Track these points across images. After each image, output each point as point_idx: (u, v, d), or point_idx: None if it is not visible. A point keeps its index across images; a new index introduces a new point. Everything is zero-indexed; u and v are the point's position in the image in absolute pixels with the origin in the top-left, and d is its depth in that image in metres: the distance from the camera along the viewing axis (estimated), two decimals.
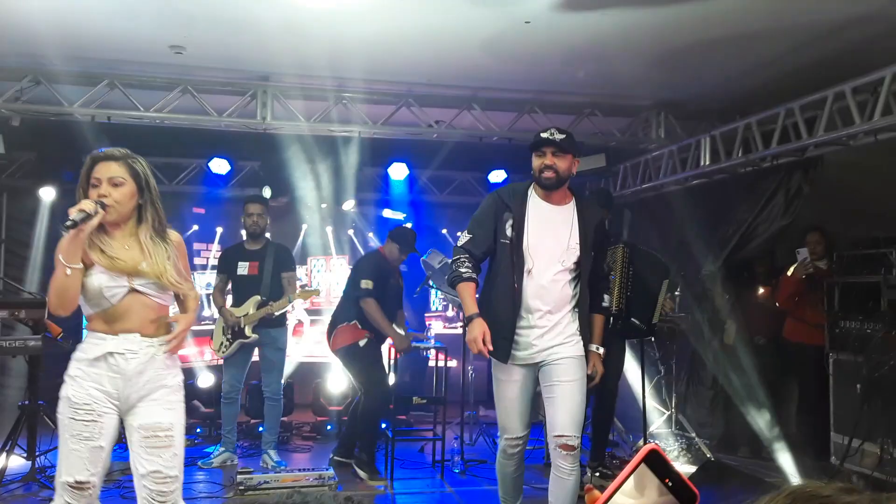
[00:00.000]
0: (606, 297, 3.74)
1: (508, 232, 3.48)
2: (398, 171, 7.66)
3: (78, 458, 2.68)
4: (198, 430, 6.64)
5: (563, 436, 3.39)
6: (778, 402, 5.87)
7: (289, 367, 7.26)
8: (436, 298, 8.75)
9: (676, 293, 6.42)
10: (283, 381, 5.98)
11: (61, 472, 2.70)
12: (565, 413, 3.41)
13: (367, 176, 8.07)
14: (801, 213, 5.67)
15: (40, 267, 7.05)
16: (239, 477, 4.90)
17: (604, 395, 5.28)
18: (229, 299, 5.84)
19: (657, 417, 6.56)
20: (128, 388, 2.77)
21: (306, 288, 7.01)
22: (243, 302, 5.72)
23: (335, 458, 5.56)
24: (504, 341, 3.46)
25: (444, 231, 8.60)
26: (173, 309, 2.97)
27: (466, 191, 8.38)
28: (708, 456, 5.79)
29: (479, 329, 3.41)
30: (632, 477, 0.88)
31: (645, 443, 5.71)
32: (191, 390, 6.81)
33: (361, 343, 5.37)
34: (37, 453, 5.08)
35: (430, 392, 6.66)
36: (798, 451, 5.44)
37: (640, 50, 5.10)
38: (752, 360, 5.96)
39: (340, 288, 8.68)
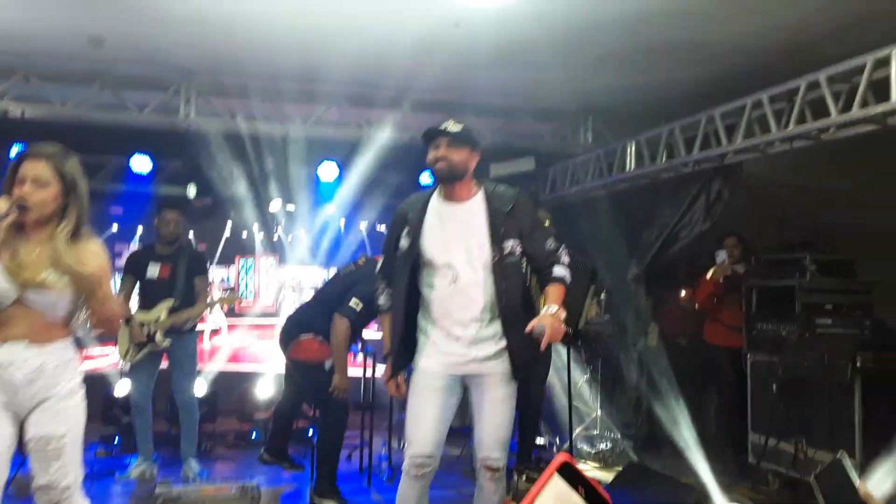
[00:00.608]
0: (558, 268, 3.21)
1: (403, 242, 3.22)
2: (328, 172, 7.55)
3: None
4: (116, 439, 6.38)
5: (488, 457, 3.19)
6: (698, 402, 6.03)
7: (209, 375, 7.07)
8: None
9: (602, 296, 6.52)
10: (204, 390, 5.77)
11: None
12: (491, 432, 3.18)
13: (295, 175, 7.93)
14: (721, 218, 5.84)
15: None
16: (157, 489, 4.71)
17: (531, 397, 5.30)
18: (133, 302, 5.57)
19: (584, 419, 6.65)
20: (18, 398, 2.66)
21: (229, 293, 6.82)
22: (152, 306, 5.44)
23: (265, 455, 5.33)
24: (407, 352, 3.25)
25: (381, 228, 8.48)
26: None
27: (400, 193, 8.30)
28: (632, 456, 5.90)
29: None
30: (546, 488, 0.87)
31: (571, 444, 5.79)
32: (108, 399, 6.59)
33: (327, 365, 4.89)
34: None
35: (357, 397, 6.58)
36: (717, 450, 5.59)
37: (568, 54, 5.17)
38: (673, 362, 6.11)
39: (269, 290, 8.65)
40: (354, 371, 5.59)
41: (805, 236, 5.54)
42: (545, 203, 7.10)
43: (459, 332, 3.16)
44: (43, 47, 5.24)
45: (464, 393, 3.31)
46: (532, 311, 3.21)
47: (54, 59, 5.46)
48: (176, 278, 5.46)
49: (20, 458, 2.86)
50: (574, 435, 6.00)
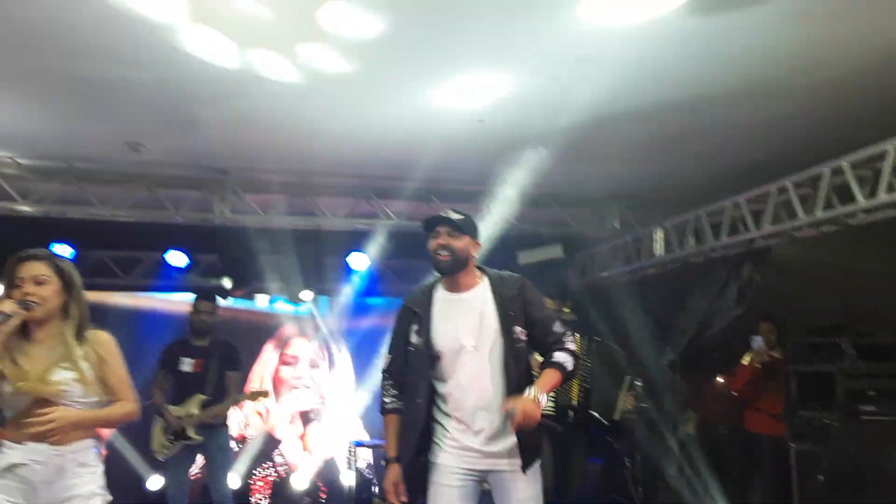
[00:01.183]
0: (560, 353, 3.08)
1: (414, 339, 3.12)
2: (359, 261, 7.64)
3: None
4: None
5: None
6: (739, 492, 5.81)
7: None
8: None
9: (637, 382, 6.39)
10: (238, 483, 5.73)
11: None
12: None
13: (327, 265, 8.02)
14: (755, 302, 5.77)
15: None
16: None
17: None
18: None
19: None
20: (37, 499, 2.67)
21: (255, 389, 6.77)
22: (184, 400, 5.43)
23: None
24: (427, 448, 3.11)
25: None
26: None
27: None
28: None
29: (393, 477, 3.10)
30: None
31: None
32: (140, 495, 6.54)
33: None
34: None
35: None
36: None
37: (595, 145, 5.24)
38: (714, 450, 5.93)
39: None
40: None
41: (838, 318, 5.44)
42: (575, 290, 7.07)
43: (475, 423, 3.05)
44: (84, 153, 5.48)
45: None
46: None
47: (95, 162, 5.69)
48: (209, 373, 5.48)
49: None
50: None
